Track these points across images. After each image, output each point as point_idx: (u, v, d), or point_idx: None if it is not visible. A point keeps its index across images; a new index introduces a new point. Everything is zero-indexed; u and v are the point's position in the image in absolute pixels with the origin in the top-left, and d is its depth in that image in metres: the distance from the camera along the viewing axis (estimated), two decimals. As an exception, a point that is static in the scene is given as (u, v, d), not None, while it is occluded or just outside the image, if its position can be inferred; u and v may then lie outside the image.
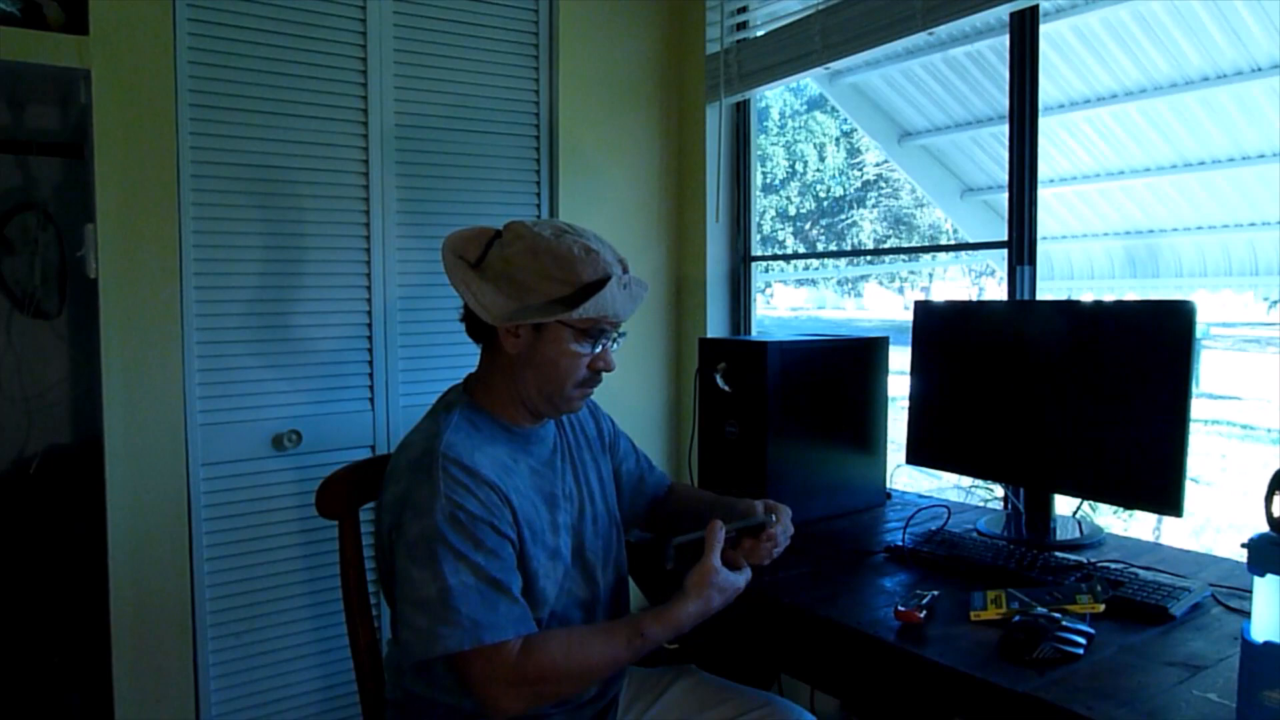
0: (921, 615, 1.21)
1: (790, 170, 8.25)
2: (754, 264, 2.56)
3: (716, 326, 2.53)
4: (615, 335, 1.27)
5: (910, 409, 1.81)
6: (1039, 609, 1.17)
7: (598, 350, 1.24)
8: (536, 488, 1.26)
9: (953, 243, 5.57)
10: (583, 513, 1.33)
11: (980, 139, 4.20)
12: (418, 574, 1.10)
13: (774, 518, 1.32)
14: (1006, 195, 1.87)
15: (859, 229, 8.23)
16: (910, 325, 1.81)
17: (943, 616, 1.24)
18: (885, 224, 8.18)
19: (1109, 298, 1.56)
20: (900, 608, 1.23)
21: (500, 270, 1.21)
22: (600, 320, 1.21)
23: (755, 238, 2.56)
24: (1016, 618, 1.15)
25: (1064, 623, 1.12)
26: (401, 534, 1.13)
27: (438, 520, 1.11)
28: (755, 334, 2.52)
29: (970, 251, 4.61)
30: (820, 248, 8.52)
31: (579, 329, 1.21)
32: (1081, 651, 1.10)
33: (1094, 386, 1.50)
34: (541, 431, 1.32)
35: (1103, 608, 1.20)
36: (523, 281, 1.19)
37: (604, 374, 1.27)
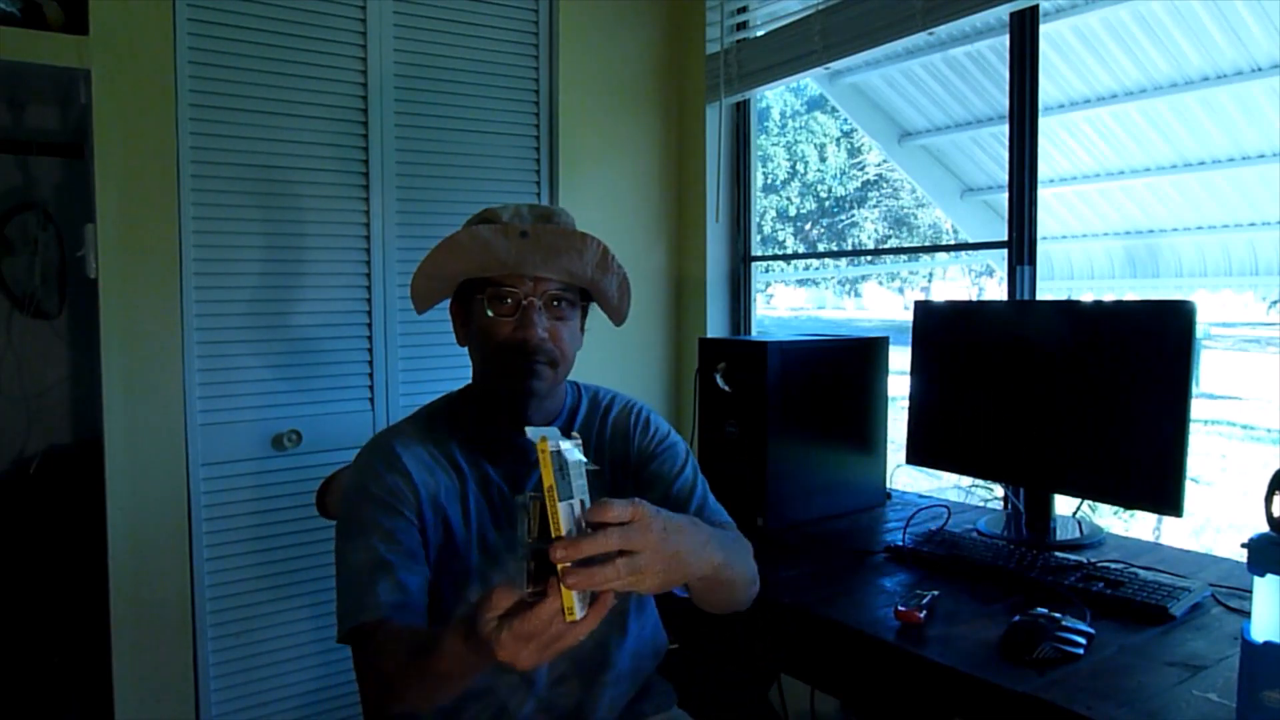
0: (921, 615, 1.21)
1: (791, 170, 8.25)
2: (754, 264, 2.56)
3: (716, 327, 2.53)
4: (531, 294, 1.11)
5: (910, 409, 1.81)
6: (1039, 610, 1.17)
7: (514, 316, 1.12)
8: (482, 498, 1.17)
9: (953, 243, 5.57)
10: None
11: (980, 139, 4.19)
12: (336, 549, 1.13)
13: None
14: (1006, 195, 1.87)
15: (859, 229, 8.23)
16: (910, 325, 1.81)
17: (943, 616, 1.24)
18: (885, 224, 8.18)
19: (1109, 298, 1.56)
20: (900, 608, 1.23)
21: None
22: (498, 279, 1.11)
23: (755, 238, 2.56)
24: (1017, 618, 1.15)
25: (1064, 623, 1.12)
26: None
27: (349, 500, 1.15)
28: (755, 334, 2.52)
29: (970, 251, 4.61)
30: (820, 248, 8.52)
31: (487, 298, 1.12)
32: (1081, 651, 1.10)
33: (1094, 386, 1.50)
34: (523, 443, 1.11)
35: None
36: (434, 273, 1.18)
37: (550, 348, 1.13)
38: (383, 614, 1.04)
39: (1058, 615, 1.14)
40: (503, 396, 1.15)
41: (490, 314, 1.12)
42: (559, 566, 0.75)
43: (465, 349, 1.23)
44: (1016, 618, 1.15)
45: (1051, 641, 1.09)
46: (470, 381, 1.25)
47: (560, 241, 1.12)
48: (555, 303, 1.15)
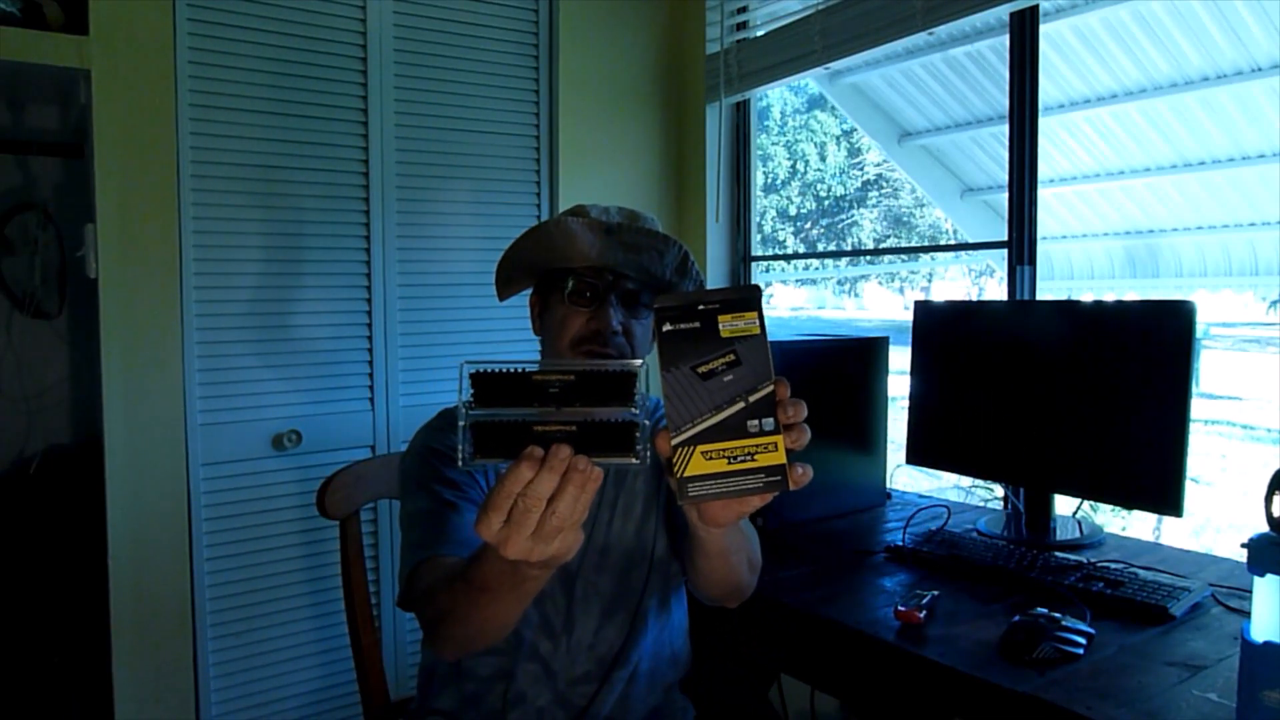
0: (921, 615, 1.21)
1: (791, 170, 8.25)
2: (754, 264, 2.56)
3: (716, 326, 2.53)
4: (611, 288, 1.13)
5: (910, 409, 1.81)
6: (1038, 610, 1.16)
7: (591, 309, 1.15)
8: None
9: (953, 243, 5.57)
10: (587, 537, 1.17)
11: (980, 139, 4.19)
12: (401, 508, 1.15)
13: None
14: (1006, 195, 1.87)
15: (859, 229, 8.23)
16: (910, 325, 1.81)
17: (943, 616, 1.24)
18: (885, 224, 8.18)
19: (1109, 298, 1.56)
20: (900, 608, 1.23)
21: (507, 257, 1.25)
22: (581, 272, 1.14)
23: (755, 238, 2.56)
24: (1017, 618, 1.15)
25: (1064, 623, 1.12)
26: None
27: (407, 463, 1.17)
28: (755, 334, 2.51)
29: (970, 251, 4.61)
30: (820, 248, 8.52)
31: (568, 291, 1.15)
32: (1081, 651, 1.10)
33: (1094, 386, 1.50)
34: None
35: (782, 459, 0.87)
36: (508, 257, 1.23)
37: (621, 341, 1.14)
38: (439, 550, 1.02)
39: (1058, 615, 1.14)
40: None
41: (567, 304, 1.15)
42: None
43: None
44: (1016, 618, 1.15)
45: (1051, 641, 1.09)
46: None
47: (643, 240, 1.14)
48: (631, 299, 1.16)
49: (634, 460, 0.70)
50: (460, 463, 0.70)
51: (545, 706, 1.18)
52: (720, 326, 0.73)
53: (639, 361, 0.71)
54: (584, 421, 0.69)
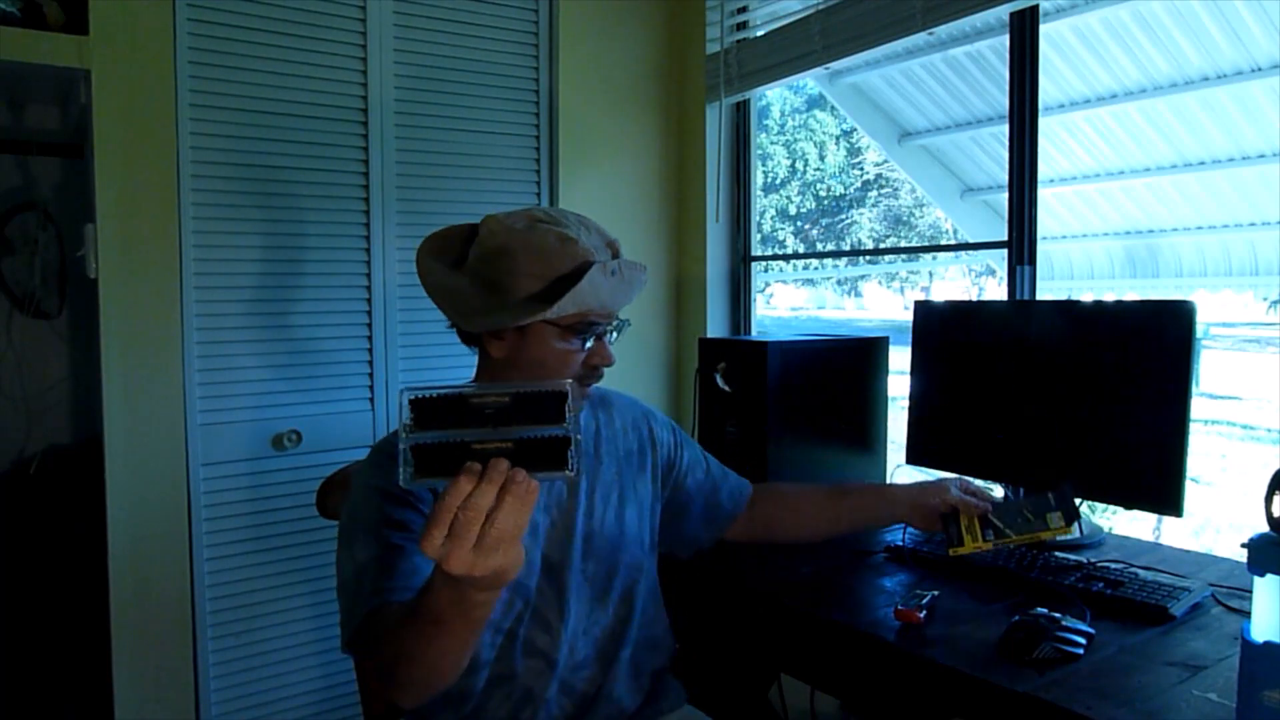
0: (921, 615, 1.21)
1: (791, 169, 8.25)
2: (754, 264, 2.56)
3: (716, 326, 2.53)
4: (611, 327, 1.17)
5: (910, 409, 1.81)
6: (1040, 608, 1.17)
7: (590, 345, 1.15)
8: None
9: (953, 243, 5.57)
10: (569, 528, 1.22)
11: (980, 139, 4.19)
12: (337, 559, 1.09)
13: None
14: (1006, 195, 1.87)
15: (858, 228, 8.23)
16: (910, 325, 1.81)
17: (943, 616, 1.24)
18: (885, 224, 8.18)
19: (1109, 298, 1.56)
20: (900, 608, 1.22)
21: (476, 269, 1.15)
22: (585, 315, 1.12)
23: (755, 237, 2.56)
24: (1016, 617, 1.15)
25: (1064, 623, 1.12)
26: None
27: (352, 501, 1.11)
28: (755, 334, 2.52)
29: (970, 251, 4.61)
30: (820, 247, 8.52)
31: (564, 326, 1.12)
32: (1081, 651, 1.10)
33: (1094, 386, 1.50)
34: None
35: (1074, 531, 1.22)
36: (497, 281, 1.12)
37: (603, 369, 1.18)
38: (386, 597, 0.99)
39: (1057, 615, 1.14)
40: None
41: (559, 344, 1.13)
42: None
43: (466, 346, 1.23)
44: (1016, 617, 1.15)
45: (1051, 641, 1.09)
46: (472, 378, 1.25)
47: (638, 276, 1.17)
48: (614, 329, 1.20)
49: (568, 473, 0.75)
50: (401, 482, 0.73)
51: (552, 697, 1.19)
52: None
53: (568, 382, 0.76)
54: (519, 438, 0.74)
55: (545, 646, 1.19)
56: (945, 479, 1.43)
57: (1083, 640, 1.11)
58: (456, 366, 2.21)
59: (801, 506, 1.45)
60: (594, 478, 1.27)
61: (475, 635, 0.90)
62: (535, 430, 0.74)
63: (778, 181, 8.19)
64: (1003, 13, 1.79)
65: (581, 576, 1.23)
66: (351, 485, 1.15)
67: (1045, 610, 1.16)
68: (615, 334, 1.19)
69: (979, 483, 1.48)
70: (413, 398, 0.74)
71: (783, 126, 8.20)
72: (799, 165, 8.29)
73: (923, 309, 1.80)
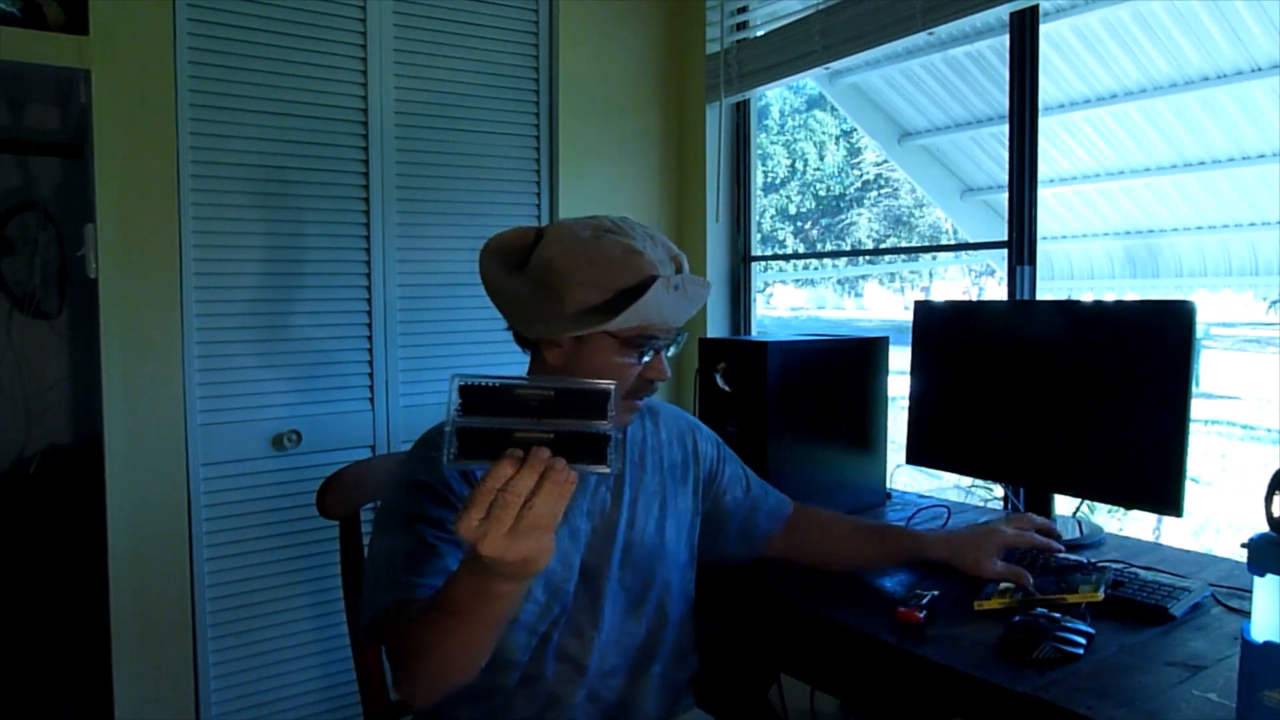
0: (921, 615, 1.21)
1: (790, 169, 8.26)
2: (754, 264, 2.56)
3: (716, 326, 2.53)
4: (669, 341, 1.15)
5: (910, 409, 1.81)
6: (1040, 609, 1.17)
7: (647, 359, 1.14)
8: None
9: (953, 243, 5.57)
10: (610, 536, 1.23)
11: (980, 139, 4.19)
12: (370, 545, 1.09)
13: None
14: (1006, 195, 1.87)
15: (858, 228, 8.23)
16: (910, 325, 1.81)
17: (943, 616, 1.24)
18: (885, 224, 8.19)
19: (1109, 298, 1.56)
20: (900, 608, 1.23)
21: (539, 276, 1.12)
22: (645, 329, 1.11)
23: (755, 237, 2.56)
24: (1017, 617, 1.15)
25: (1064, 623, 1.12)
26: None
27: (390, 492, 1.11)
28: (755, 334, 2.52)
29: (970, 251, 4.61)
30: (820, 247, 8.52)
31: (622, 339, 1.11)
32: (1081, 651, 1.10)
33: (1094, 386, 1.50)
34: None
35: (1101, 596, 1.20)
36: (559, 289, 1.09)
37: (658, 383, 1.16)
38: (410, 593, 0.99)
39: (1057, 615, 1.14)
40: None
41: (618, 358, 1.12)
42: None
43: (521, 349, 1.20)
44: (1017, 618, 1.15)
45: (1052, 641, 1.09)
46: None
47: (700, 292, 1.16)
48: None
49: (606, 468, 0.77)
50: (444, 463, 0.76)
51: (579, 703, 1.19)
52: None
53: (612, 382, 0.77)
54: (561, 431, 0.76)
55: (576, 653, 1.19)
56: (996, 521, 1.37)
57: (1083, 640, 1.11)
58: (456, 367, 2.22)
59: (841, 543, 1.41)
60: (638, 487, 1.27)
61: (492, 632, 0.90)
62: (577, 425, 0.76)
63: (778, 181, 8.19)
64: (1003, 13, 1.79)
65: (618, 585, 1.23)
66: (396, 474, 1.15)
67: (1045, 610, 1.16)
68: (674, 348, 1.17)
69: (979, 483, 1.47)
70: (462, 384, 0.77)
71: (783, 126, 8.21)
72: (799, 165, 8.30)
73: (923, 309, 1.80)
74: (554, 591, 1.18)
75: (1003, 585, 1.26)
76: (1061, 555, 1.44)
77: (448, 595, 0.85)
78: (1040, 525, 1.37)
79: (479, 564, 0.78)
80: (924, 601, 1.23)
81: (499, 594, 0.82)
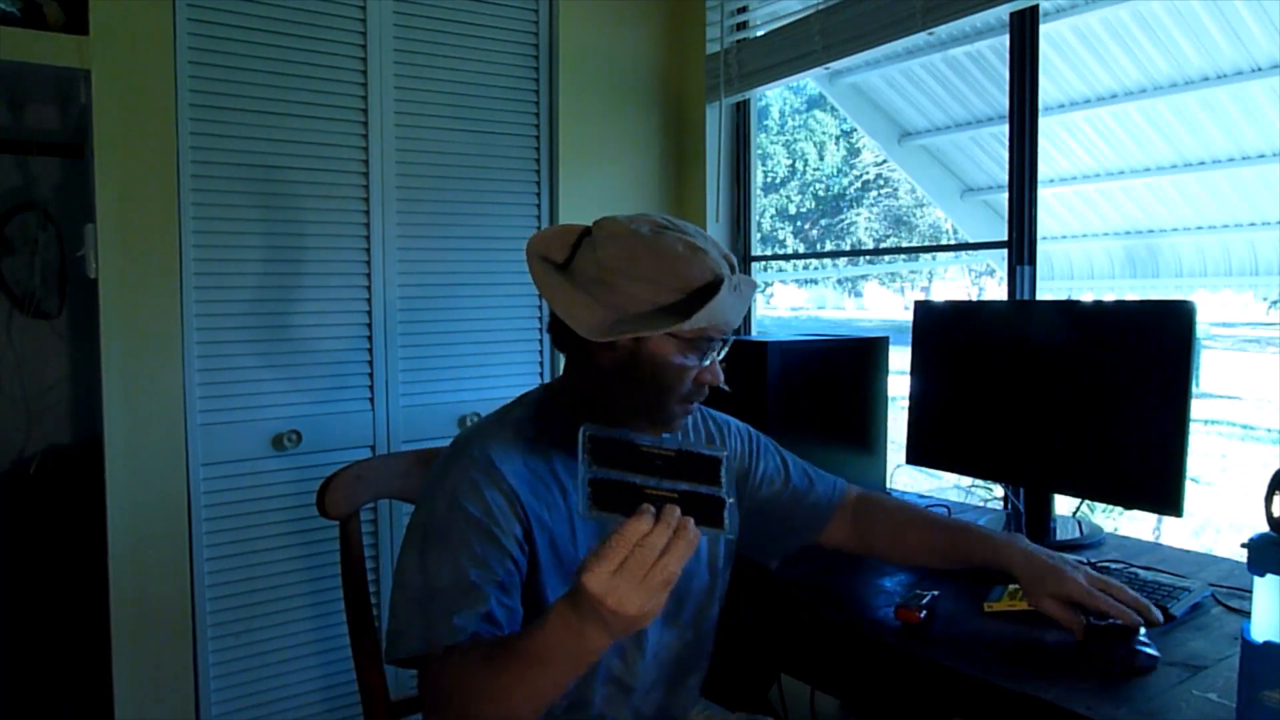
0: (921, 615, 1.21)
1: (790, 169, 8.26)
2: (754, 264, 2.56)
3: (716, 326, 2.53)
4: (723, 344, 1.10)
5: (910, 409, 1.81)
6: (1091, 617, 1.11)
7: (705, 363, 1.08)
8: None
9: (953, 243, 5.57)
10: None
11: (980, 139, 4.19)
12: (404, 558, 1.03)
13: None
14: (1006, 195, 1.87)
15: (858, 228, 8.23)
16: (910, 325, 1.81)
17: (943, 616, 1.24)
18: (885, 224, 8.19)
19: (1109, 298, 1.56)
20: (900, 608, 1.23)
21: (593, 275, 1.05)
22: (709, 330, 1.04)
23: (755, 237, 2.56)
24: (1090, 619, 1.10)
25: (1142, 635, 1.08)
26: (412, 518, 1.08)
27: (436, 509, 1.03)
28: (755, 334, 2.52)
29: (970, 251, 4.61)
30: (820, 247, 8.52)
31: (686, 340, 1.05)
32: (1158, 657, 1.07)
33: (1094, 386, 1.50)
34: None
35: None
36: (620, 287, 1.03)
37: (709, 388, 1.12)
38: (459, 637, 0.94)
39: (1116, 621, 1.08)
40: (647, 421, 1.10)
41: (678, 359, 1.05)
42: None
43: (560, 350, 1.15)
44: (1090, 619, 1.10)
45: (1143, 648, 1.06)
46: (556, 379, 1.19)
47: (750, 293, 1.13)
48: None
49: (724, 531, 0.85)
50: (579, 512, 0.84)
51: None
52: None
53: (724, 450, 0.86)
54: (685, 491, 0.84)
55: (621, 673, 1.17)
56: (1068, 564, 1.17)
57: (1155, 652, 1.07)
58: (456, 367, 2.22)
59: (913, 538, 1.34)
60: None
61: (572, 680, 0.88)
62: (702, 487, 0.84)
63: (777, 181, 8.19)
64: (1003, 13, 1.79)
65: None
66: (433, 483, 1.07)
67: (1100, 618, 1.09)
68: (722, 352, 1.12)
69: (979, 483, 1.46)
70: (591, 434, 0.84)
71: (783, 126, 8.21)
72: (799, 165, 8.30)
73: (923, 309, 1.80)
74: None
75: (1011, 587, 1.25)
76: (1060, 556, 1.44)
77: (531, 644, 0.84)
78: (1131, 601, 1.12)
79: (579, 615, 0.79)
80: (924, 601, 1.23)
81: (596, 648, 0.82)
